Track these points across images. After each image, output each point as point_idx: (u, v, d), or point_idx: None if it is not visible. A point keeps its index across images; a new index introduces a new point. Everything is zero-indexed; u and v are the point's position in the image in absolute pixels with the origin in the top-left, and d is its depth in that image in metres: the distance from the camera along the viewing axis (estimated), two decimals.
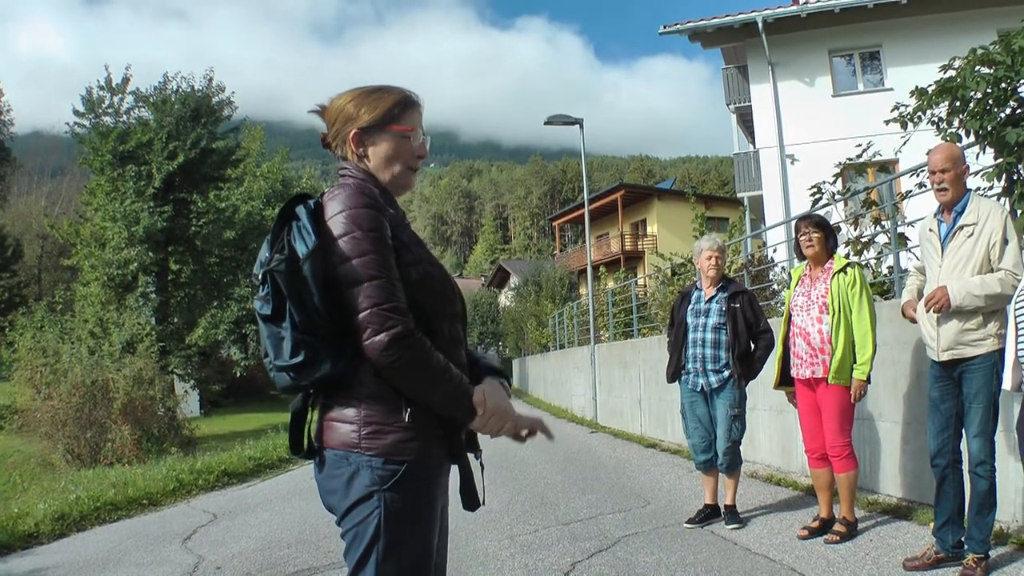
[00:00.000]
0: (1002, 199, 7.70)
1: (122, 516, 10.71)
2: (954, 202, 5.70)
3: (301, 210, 2.60)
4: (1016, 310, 4.40)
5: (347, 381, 2.61)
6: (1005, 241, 5.47)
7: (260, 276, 2.59)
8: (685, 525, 7.85)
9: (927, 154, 5.91)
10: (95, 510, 10.55)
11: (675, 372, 8.13)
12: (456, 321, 2.81)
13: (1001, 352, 5.41)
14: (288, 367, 2.55)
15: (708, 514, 7.97)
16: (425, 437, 2.62)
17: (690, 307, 8.08)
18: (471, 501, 2.76)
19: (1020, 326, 4.36)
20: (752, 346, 7.86)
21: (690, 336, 7.98)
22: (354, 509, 2.59)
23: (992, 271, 5.50)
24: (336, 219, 2.60)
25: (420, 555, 2.64)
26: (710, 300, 7.96)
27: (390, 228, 2.65)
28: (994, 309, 5.47)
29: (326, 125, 2.88)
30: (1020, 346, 4.37)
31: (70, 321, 26.06)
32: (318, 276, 2.51)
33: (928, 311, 5.68)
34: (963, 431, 5.70)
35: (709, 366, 7.82)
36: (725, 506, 7.95)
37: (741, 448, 7.94)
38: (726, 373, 7.77)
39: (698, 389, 7.93)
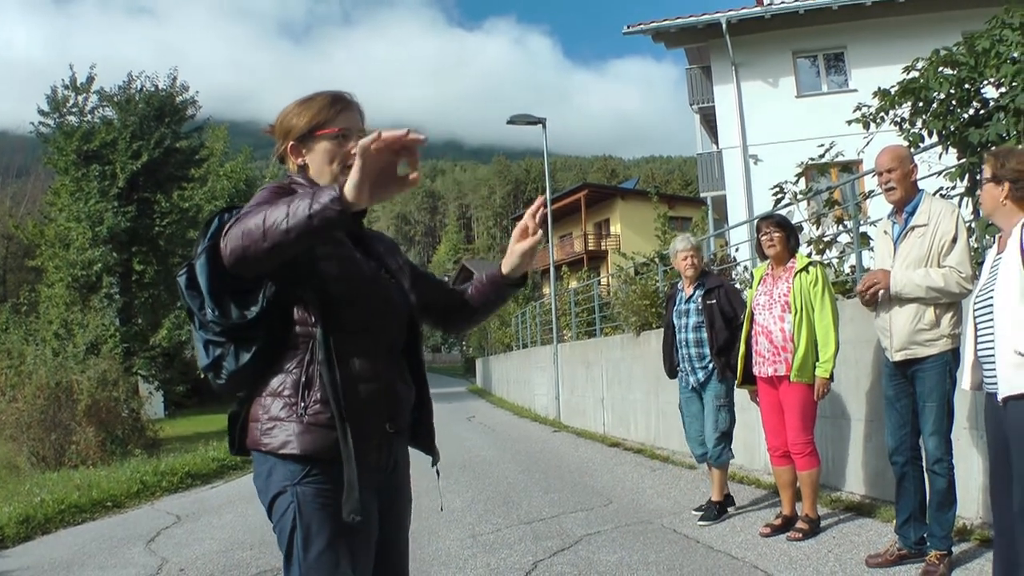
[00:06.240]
0: (964, 199, 7.78)
1: (86, 519, 10.67)
2: (904, 202, 5.80)
3: (215, 221, 2.61)
4: (975, 310, 4.45)
5: (258, 380, 2.68)
6: (954, 241, 5.56)
7: None
8: (699, 524, 7.78)
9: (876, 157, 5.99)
10: (60, 513, 10.52)
11: (671, 370, 8.47)
12: (367, 326, 2.76)
13: (954, 352, 5.51)
14: (205, 368, 2.66)
15: (718, 508, 7.99)
16: (319, 433, 2.62)
17: (675, 308, 8.33)
18: (349, 508, 2.58)
19: (979, 327, 4.40)
20: (733, 338, 7.92)
21: (678, 337, 8.24)
22: (273, 505, 2.66)
23: None
24: None
25: (338, 547, 2.62)
26: (689, 300, 8.18)
27: None
28: (938, 303, 5.55)
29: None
30: (979, 346, 4.41)
31: (35, 323, 25.86)
32: (206, 273, 2.54)
33: (866, 291, 5.82)
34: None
35: (696, 364, 8.07)
36: (709, 500, 8.04)
37: None
38: (711, 368, 7.97)
39: (690, 387, 8.19)
